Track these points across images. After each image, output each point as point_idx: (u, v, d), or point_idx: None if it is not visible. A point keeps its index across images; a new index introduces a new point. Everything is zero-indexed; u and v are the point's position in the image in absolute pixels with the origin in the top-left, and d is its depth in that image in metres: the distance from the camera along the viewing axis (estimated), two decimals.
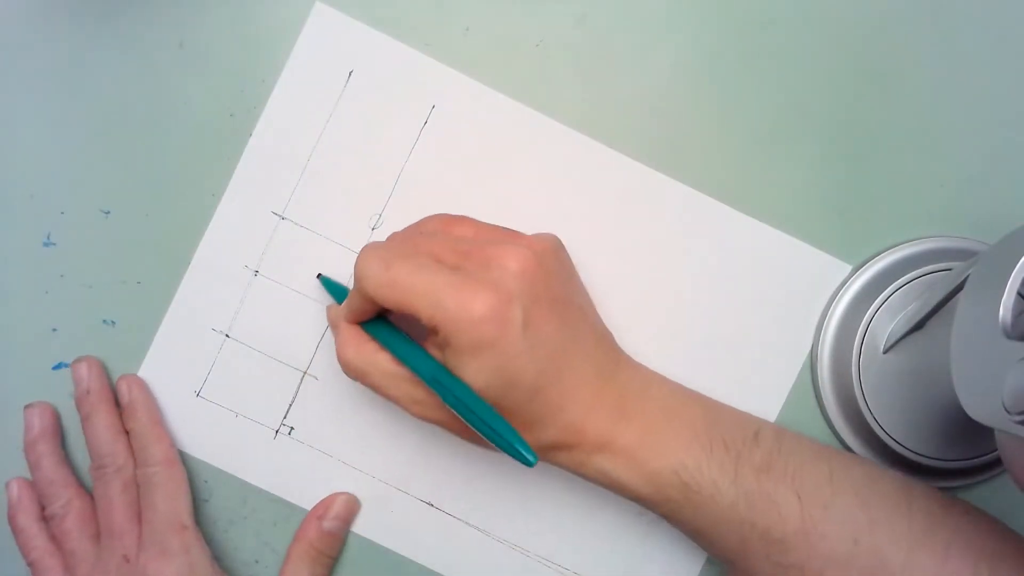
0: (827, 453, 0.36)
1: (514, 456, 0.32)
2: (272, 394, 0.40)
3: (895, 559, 0.33)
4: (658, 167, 0.39)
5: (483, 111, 0.40)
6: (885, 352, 0.38)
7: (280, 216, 0.40)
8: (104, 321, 0.40)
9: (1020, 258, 0.28)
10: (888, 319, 0.37)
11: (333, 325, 0.38)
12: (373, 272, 0.33)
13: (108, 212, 0.40)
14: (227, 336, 0.40)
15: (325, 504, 0.40)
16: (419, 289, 0.32)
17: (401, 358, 0.34)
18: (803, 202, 0.39)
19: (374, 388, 0.35)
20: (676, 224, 0.39)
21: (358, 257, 0.34)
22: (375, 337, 0.35)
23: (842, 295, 0.39)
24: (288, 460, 0.40)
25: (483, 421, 0.32)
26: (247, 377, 0.40)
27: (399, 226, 0.39)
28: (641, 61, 0.39)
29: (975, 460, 0.38)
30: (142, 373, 0.41)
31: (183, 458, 0.40)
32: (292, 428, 0.40)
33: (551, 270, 0.34)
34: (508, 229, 0.37)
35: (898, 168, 0.39)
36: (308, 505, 0.40)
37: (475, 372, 0.32)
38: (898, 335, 0.37)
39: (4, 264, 0.41)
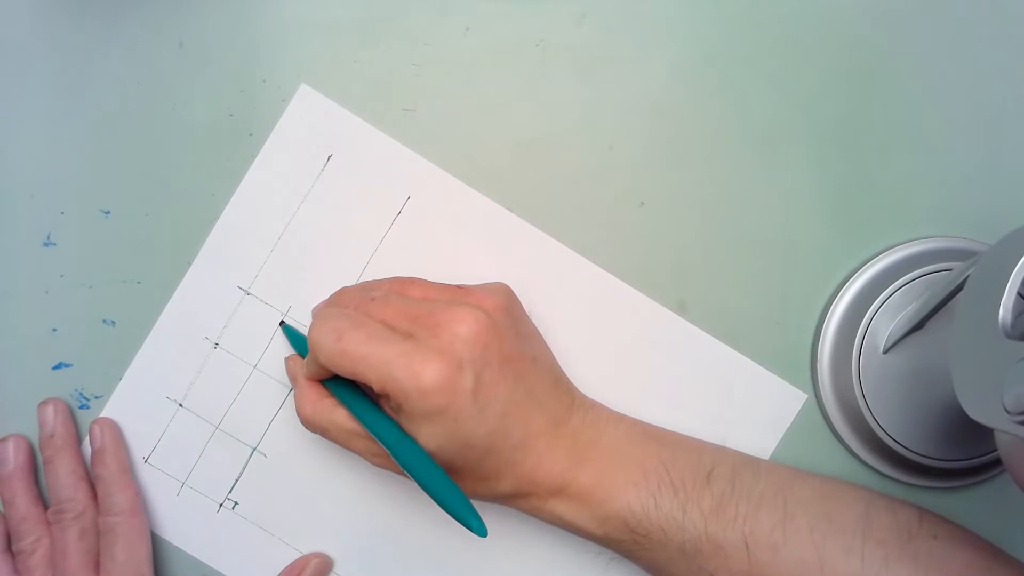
0: (785, 488, 0.36)
1: (466, 526, 0.32)
2: (220, 467, 0.40)
3: None
4: (654, 170, 0.39)
5: (458, 206, 0.40)
6: (885, 352, 0.38)
7: (245, 291, 0.40)
8: (104, 321, 0.40)
9: (1020, 258, 0.28)
10: (888, 319, 0.37)
11: (292, 379, 0.38)
12: (326, 343, 0.34)
13: (108, 212, 0.40)
14: (180, 406, 0.40)
15: (298, 567, 0.39)
16: (370, 360, 0.33)
17: (358, 417, 0.34)
18: (803, 202, 0.39)
19: (333, 441, 0.36)
20: (639, 333, 0.40)
21: (311, 325, 0.35)
22: (333, 393, 0.35)
23: (842, 295, 0.39)
24: (229, 534, 0.40)
25: (437, 490, 0.32)
26: (196, 448, 0.40)
27: None
28: (641, 61, 0.39)
29: (975, 460, 0.38)
30: None
31: None
32: (236, 503, 0.40)
33: (502, 329, 0.35)
34: (459, 287, 0.37)
35: (898, 168, 0.39)
36: None
37: (428, 437, 0.33)
38: (898, 335, 0.37)
39: (4, 264, 0.41)
